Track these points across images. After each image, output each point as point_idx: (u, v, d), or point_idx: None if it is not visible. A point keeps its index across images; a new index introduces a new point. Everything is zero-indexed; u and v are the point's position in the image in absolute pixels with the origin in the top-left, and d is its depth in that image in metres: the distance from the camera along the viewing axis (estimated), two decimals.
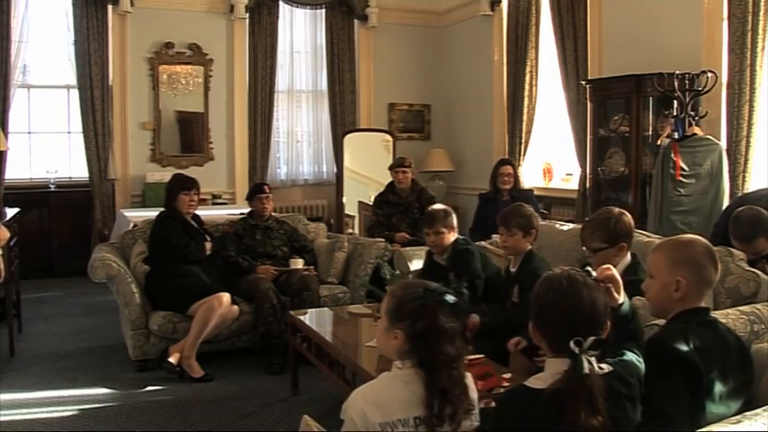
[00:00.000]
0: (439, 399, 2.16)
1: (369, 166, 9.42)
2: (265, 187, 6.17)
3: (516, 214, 4.22)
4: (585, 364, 1.97)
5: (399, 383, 2.22)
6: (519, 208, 4.32)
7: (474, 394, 2.32)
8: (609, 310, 2.16)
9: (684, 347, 2.35)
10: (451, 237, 4.68)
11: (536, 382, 2.12)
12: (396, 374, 2.27)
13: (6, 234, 3.23)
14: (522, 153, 8.50)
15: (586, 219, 4.26)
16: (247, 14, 9.36)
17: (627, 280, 3.37)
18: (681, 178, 5.66)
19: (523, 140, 8.50)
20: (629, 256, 3.60)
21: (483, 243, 5.15)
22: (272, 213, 6.23)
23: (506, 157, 8.18)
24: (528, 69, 8.41)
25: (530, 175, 8.48)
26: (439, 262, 4.76)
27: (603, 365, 2.06)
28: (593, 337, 2.02)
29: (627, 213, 3.65)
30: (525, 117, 8.47)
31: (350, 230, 8.96)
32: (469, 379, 2.31)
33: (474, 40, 9.66)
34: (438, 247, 4.68)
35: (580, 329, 2.03)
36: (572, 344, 1.99)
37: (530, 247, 4.20)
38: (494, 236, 5.68)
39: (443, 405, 2.16)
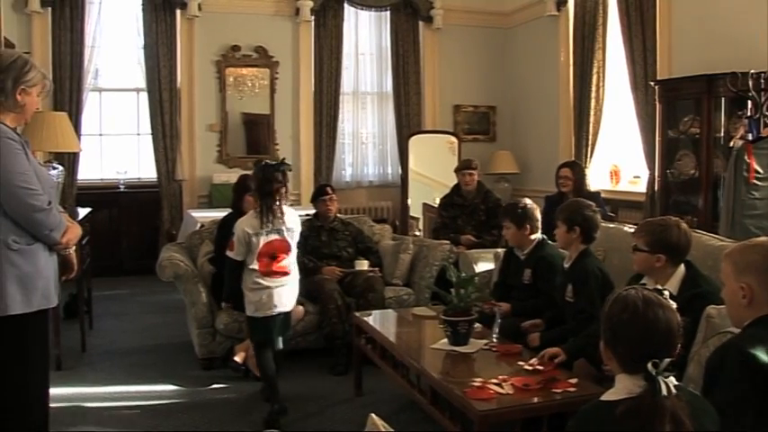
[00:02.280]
0: (266, 211, 4.41)
1: (434, 168, 9.39)
2: (328, 188, 6.17)
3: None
4: (663, 387, 1.92)
5: (255, 213, 4.49)
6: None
7: (291, 215, 4.55)
8: (682, 330, 2.10)
9: (758, 352, 2.27)
10: (530, 235, 4.77)
11: (610, 395, 2.08)
12: (254, 211, 4.50)
13: (79, 230, 3.29)
14: (588, 155, 8.38)
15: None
16: (313, 17, 9.43)
17: (689, 294, 3.31)
18: (755, 181, 5.48)
19: (590, 142, 8.38)
20: (682, 269, 3.49)
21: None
22: (338, 215, 6.24)
23: (572, 159, 8.07)
24: (595, 70, 8.29)
25: (597, 178, 8.35)
26: (518, 255, 4.77)
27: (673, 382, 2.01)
28: (668, 359, 1.97)
29: (684, 228, 3.51)
30: (592, 118, 8.35)
31: (414, 232, 8.94)
32: (287, 208, 4.54)
33: (540, 41, 9.56)
34: (512, 241, 4.87)
35: (655, 351, 1.98)
36: (650, 366, 1.94)
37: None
38: None
39: (269, 213, 4.41)
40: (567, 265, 4.25)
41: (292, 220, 4.58)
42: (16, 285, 2.98)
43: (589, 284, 3.99)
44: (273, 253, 4.47)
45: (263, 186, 4.46)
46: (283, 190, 4.49)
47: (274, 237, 4.47)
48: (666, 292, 2.16)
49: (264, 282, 4.47)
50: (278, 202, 4.46)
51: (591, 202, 4.42)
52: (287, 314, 4.63)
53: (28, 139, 3.16)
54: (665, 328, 2.04)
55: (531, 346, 4.08)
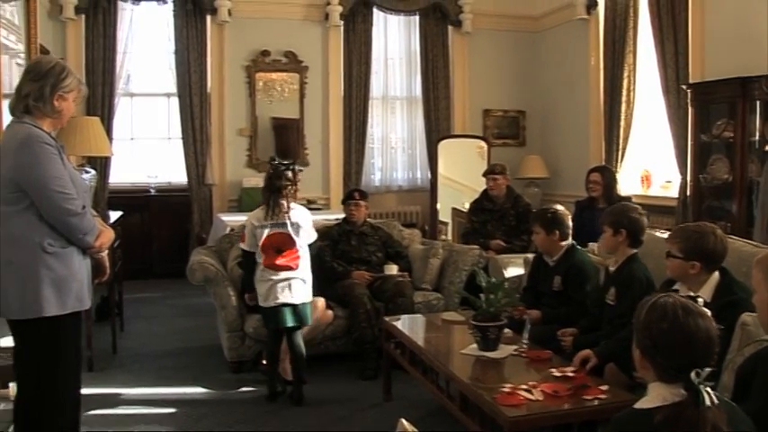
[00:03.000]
0: (273, 205, 4.82)
1: (463, 173, 9.36)
2: (355, 194, 6.20)
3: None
4: (706, 397, 1.91)
5: (263, 207, 4.87)
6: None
7: (298, 211, 4.90)
8: (719, 339, 2.07)
9: None
10: (560, 242, 4.74)
11: (645, 403, 2.06)
12: (263, 205, 4.89)
13: (112, 234, 3.33)
14: (619, 159, 8.31)
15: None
16: (342, 22, 9.45)
17: (724, 301, 3.26)
18: None
19: (621, 146, 8.31)
20: (716, 275, 3.44)
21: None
22: (368, 219, 6.26)
23: (602, 163, 8.02)
24: (625, 74, 8.22)
25: (627, 182, 8.29)
26: (547, 262, 4.74)
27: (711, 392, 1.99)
28: (709, 369, 1.95)
29: (720, 236, 3.45)
30: (623, 123, 8.28)
31: (443, 237, 8.93)
32: (296, 205, 4.90)
33: (570, 45, 9.52)
34: (542, 247, 4.84)
35: (696, 360, 1.96)
36: (693, 376, 1.92)
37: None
38: (591, 244, 5.58)
39: (275, 207, 4.80)
40: (612, 269, 4.19)
41: (298, 215, 4.91)
42: (51, 288, 3.04)
43: (633, 290, 3.93)
44: (279, 247, 4.81)
45: (273, 182, 4.86)
46: (292, 188, 4.87)
47: (277, 230, 4.82)
48: (701, 300, 2.14)
49: (268, 274, 4.83)
50: (285, 199, 4.83)
51: (637, 205, 4.39)
52: (297, 307, 4.87)
53: (64, 144, 3.22)
54: (706, 338, 2.02)
55: (567, 349, 4.05)
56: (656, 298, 2.11)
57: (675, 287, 3.47)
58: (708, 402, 1.90)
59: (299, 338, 4.97)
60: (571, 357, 3.81)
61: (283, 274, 4.81)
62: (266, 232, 4.80)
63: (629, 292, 3.96)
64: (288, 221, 4.82)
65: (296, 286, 4.85)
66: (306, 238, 4.94)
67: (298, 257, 4.87)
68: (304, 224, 4.91)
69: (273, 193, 4.83)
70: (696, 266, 3.40)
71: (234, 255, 5.86)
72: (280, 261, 4.81)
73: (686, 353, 1.99)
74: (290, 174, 4.86)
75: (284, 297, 4.81)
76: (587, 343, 3.93)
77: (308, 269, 4.97)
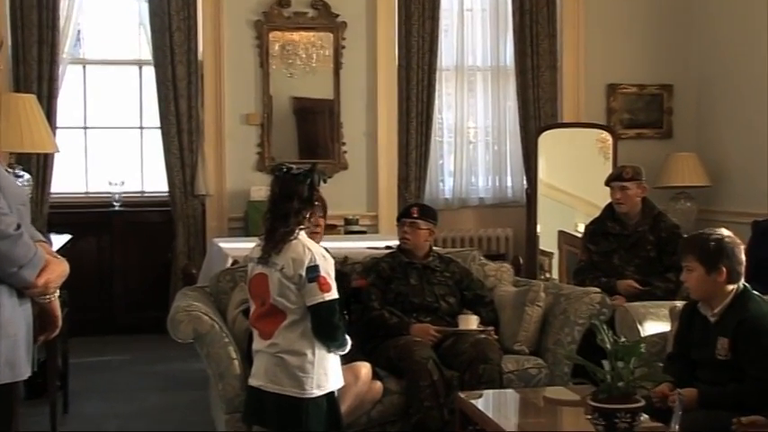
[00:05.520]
0: (270, 234, 4.54)
1: (576, 180, 9.43)
2: (413, 210, 6.20)
3: None
4: None
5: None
6: None
7: (291, 251, 4.44)
8: None
9: None
10: (727, 285, 4.64)
11: None
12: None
13: (65, 268, 3.32)
14: None
15: None
16: None
17: None
18: None
19: None
20: None
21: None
22: (434, 248, 6.29)
23: None
24: None
25: None
26: (706, 315, 4.70)
27: None
28: None
29: None
30: None
31: (546, 275, 8.93)
32: (301, 242, 4.51)
33: None
34: (698, 292, 4.72)
35: None
36: None
37: None
38: None
39: (272, 239, 4.50)
40: None
41: (292, 257, 4.47)
42: None
43: None
44: (262, 297, 4.56)
45: (273, 200, 4.63)
46: (304, 212, 4.51)
47: (262, 270, 4.55)
48: None
49: (255, 338, 4.68)
50: (295, 233, 4.48)
51: None
52: (265, 398, 4.56)
53: None
54: None
55: None
56: None
57: None
58: None
59: None
60: None
61: (258, 341, 4.62)
62: (251, 269, 4.66)
63: None
64: (275, 262, 4.48)
65: (261, 362, 4.61)
66: (305, 294, 4.46)
67: (274, 322, 4.54)
68: (294, 269, 4.43)
69: (272, 217, 4.57)
70: None
71: (237, 299, 5.90)
72: (255, 319, 4.67)
73: None
74: (305, 189, 4.52)
75: (254, 375, 4.61)
76: None
77: (301, 344, 4.51)
